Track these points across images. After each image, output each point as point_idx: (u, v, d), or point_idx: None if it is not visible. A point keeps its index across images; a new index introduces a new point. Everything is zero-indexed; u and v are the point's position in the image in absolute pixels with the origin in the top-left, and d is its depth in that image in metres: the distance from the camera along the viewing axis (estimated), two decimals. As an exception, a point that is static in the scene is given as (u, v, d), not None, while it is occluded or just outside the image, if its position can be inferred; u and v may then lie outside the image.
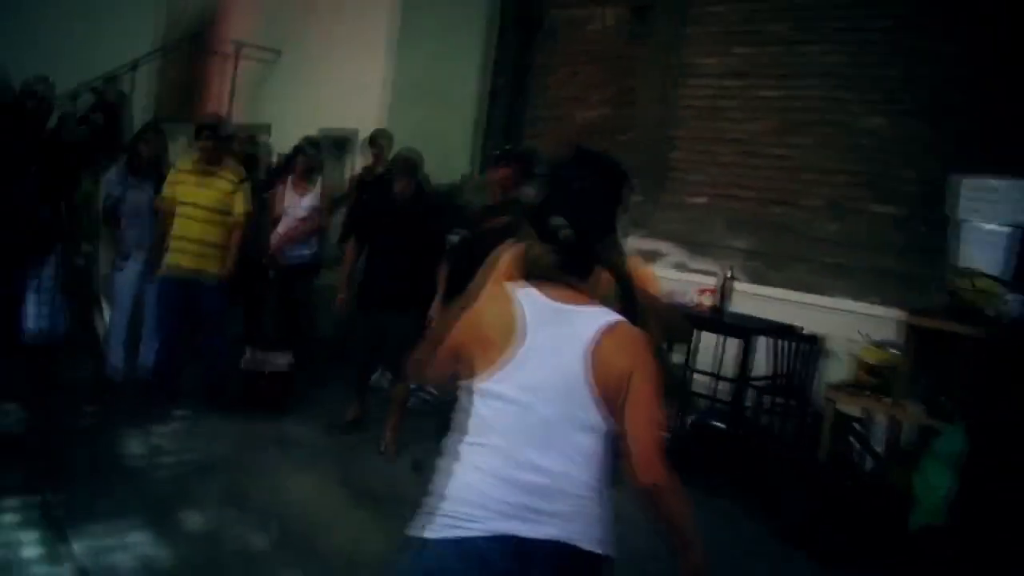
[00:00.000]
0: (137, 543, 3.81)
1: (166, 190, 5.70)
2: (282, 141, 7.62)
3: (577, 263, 1.97)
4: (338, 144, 8.50)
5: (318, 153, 6.63)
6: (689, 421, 5.73)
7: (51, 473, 4.41)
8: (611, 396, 1.83)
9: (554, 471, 1.81)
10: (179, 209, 5.66)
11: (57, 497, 4.13)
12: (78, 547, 3.69)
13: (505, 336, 1.89)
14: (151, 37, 9.86)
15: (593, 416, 1.84)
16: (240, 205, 5.73)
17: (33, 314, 5.05)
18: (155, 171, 5.89)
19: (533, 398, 1.85)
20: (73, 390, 5.67)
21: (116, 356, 5.94)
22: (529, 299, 1.94)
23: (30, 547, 3.65)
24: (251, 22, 11.07)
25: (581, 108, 7.99)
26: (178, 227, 5.66)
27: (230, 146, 6.14)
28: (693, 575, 1.84)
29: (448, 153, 7.31)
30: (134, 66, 9.00)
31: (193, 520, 4.12)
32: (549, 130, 8.25)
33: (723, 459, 5.13)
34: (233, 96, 10.29)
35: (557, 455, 1.82)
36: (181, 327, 5.86)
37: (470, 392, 1.92)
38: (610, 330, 1.87)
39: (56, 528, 3.83)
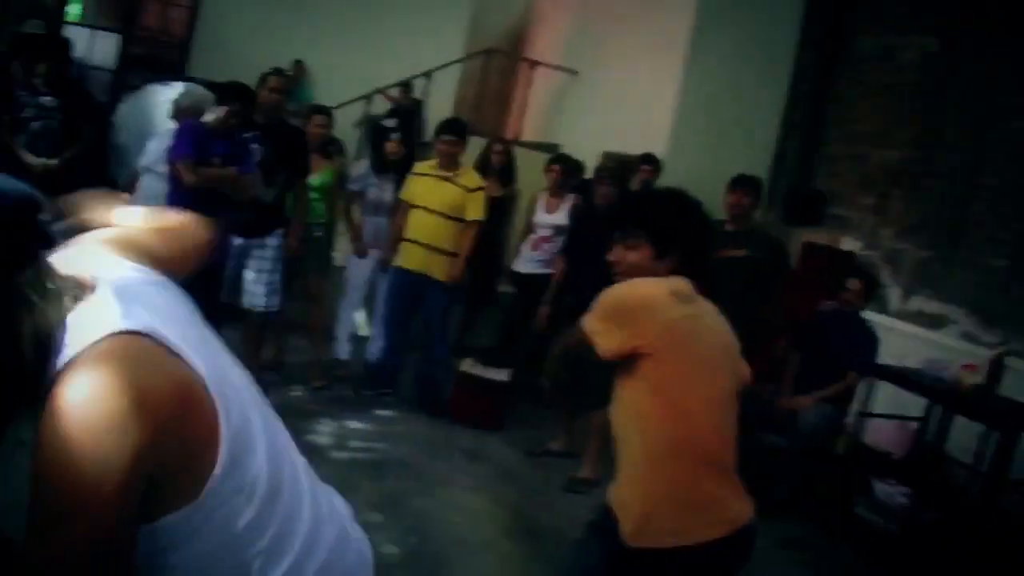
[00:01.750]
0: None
1: (404, 190, 5.61)
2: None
3: None
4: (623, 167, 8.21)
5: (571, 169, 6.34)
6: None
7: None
8: None
9: None
10: (413, 210, 5.53)
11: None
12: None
13: None
14: (450, 48, 10.07)
15: None
16: (473, 211, 5.49)
17: (251, 291, 5.11)
18: (400, 170, 5.83)
19: None
20: (295, 367, 5.71)
21: (342, 341, 5.93)
22: None
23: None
24: (551, 41, 11.12)
25: (881, 147, 7.01)
26: (410, 227, 5.53)
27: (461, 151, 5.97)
28: None
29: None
30: (428, 74, 9.18)
31: (337, 513, 3.84)
32: (845, 169, 7.34)
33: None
34: (526, 112, 10.32)
35: None
36: (406, 323, 5.72)
37: None
38: None
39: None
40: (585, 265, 4.94)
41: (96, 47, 9.70)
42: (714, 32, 7.80)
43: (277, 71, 5.12)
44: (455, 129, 5.61)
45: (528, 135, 10.32)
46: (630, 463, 2.23)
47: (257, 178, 4.93)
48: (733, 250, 4.63)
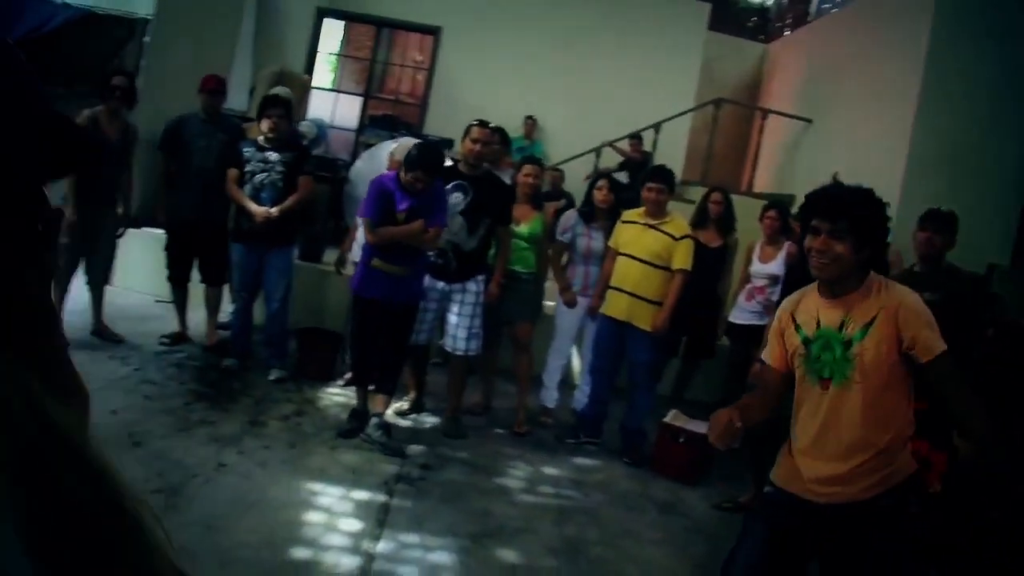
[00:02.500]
0: (437, 559, 3.64)
1: (612, 237, 5.60)
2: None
3: None
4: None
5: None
6: None
7: (419, 476, 4.52)
8: None
9: None
10: (619, 257, 5.51)
11: (398, 497, 4.19)
12: (383, 545, 3.65)
13: None
14: (681, 99, 10.02)
15: None
16: (680, 260, 5.37)
17: (452, 335, 5.28)
18: (610, 219, 5.82)
19: None
20: (500, 412, 5.82)
21: (550, 388, 5.97)
22: None
23: (342, 535, 3.70)
24: (784, 90, 10.80)
25: None
26: (616, 275, 5.51)
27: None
28: None
29: (972, 233, 6.18)
30: (657, 126, 9.17)
31: (510, 553, 3.85)
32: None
33: None
34: (757, 163, 10.04)
35: None
36: (612, 371, 5.67)
37: None
38: None
39: (379, 522, 3.85)
40: None
41: (340, 109, 10.58)
42: (947, 73, 7.32)
43: (481, 123, 5.30)
44: (661, 177, 5.55)
45: (761, 185, 10.02)
46: (895, 440, 2.60)
47: (459, 225, 5.12)
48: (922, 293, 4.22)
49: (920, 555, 4.00)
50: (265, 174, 5.44)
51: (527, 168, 5.84)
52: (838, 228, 2.52)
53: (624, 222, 5.60)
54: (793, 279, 5.20)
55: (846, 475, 2.59)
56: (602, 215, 5.79)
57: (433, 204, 4.80)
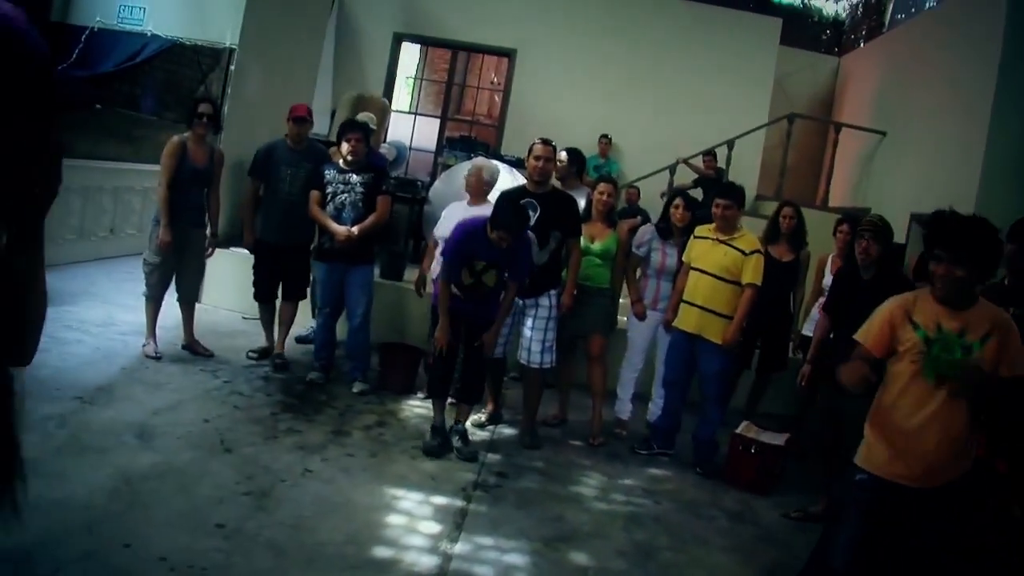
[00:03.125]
0: (512, 560, 3.80)
1: (685, 252, 5.72)
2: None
3: None
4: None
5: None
6: None
7: (495, 483, 4.69)
8: None
9: None
10: (691, 272, 5.62)
11: (475, 503, 4.37)
12: (460, 547, 3.82)
13: None
14: (755, 115, 10.06)
15: None
16: (750, 275, 5.45)
17: (527, 348, 5.45)
18: (685, 236, 5.92)
19: None
20: (576, 424, 5.96)
21: (624, 400, 6.09)
22: None
23: (421, 536, 3.89)
24: (858, 103, 10.73)
25: None
26: (688, 288, 5.62)
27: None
28: None
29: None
30: (730, 143, 9.22)
31: (582, 556, 3.98)
32: None
33: None
34: (832, 177, 10.00)
35: None
36: (684, 384, 5.77)
37: None
38: None
39: (456, 525, 4.02)
40: (847, 327, 4.71)
41: (419, 131, 10.89)
42: (1021, 82, 7.18)
43: (544, 140, 5.47)
44: (730, 194, 5.65)
45: (836, 199, 9.98)
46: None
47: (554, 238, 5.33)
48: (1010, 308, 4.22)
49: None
50: (346, 195, 5.73)
51: (601, 186, 5.98)
52: (959, 256, 2.99)
53: (696, 237, 5.70)
54: (839, 291, 5.19)
55: (940, 464, 3.09)
56: (678, 232, 5.90)
57: (517, 255, 4.99)
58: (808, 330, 6.26)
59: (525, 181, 5.78)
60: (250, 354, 6.15)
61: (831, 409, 4.77)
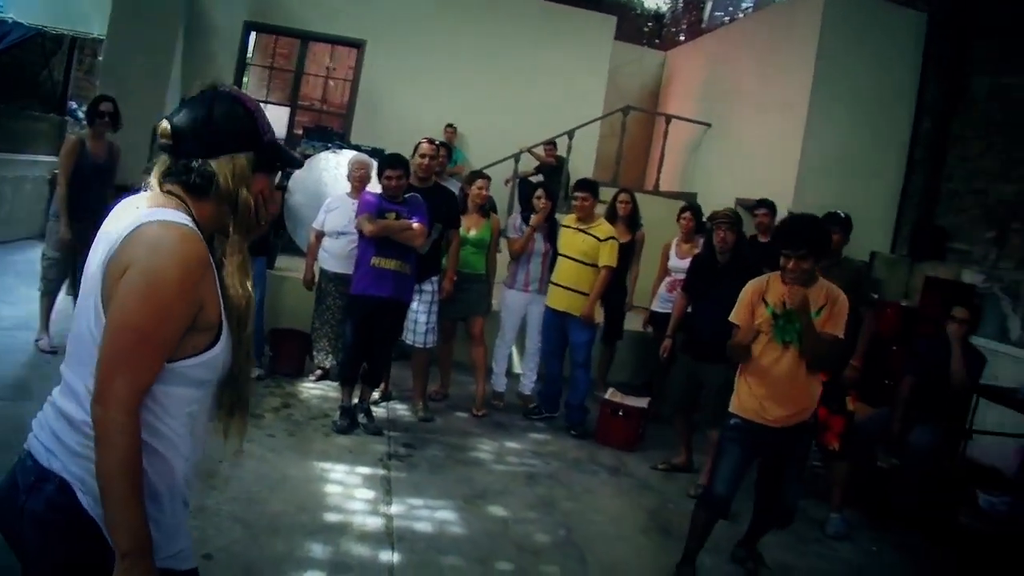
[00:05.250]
0: (443, 516, 4.37)
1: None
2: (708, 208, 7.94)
3: None
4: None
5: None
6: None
7: (406, 453, 5.23)
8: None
9: (77, 395, 1.64)
10: (559, 257, 6.36)
11: (395, 471, 4.90)
12: (396, 508, 4.35)
13: None
14: (591, 107, 10.89)
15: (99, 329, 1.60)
16: (604, 258, 6.24)
17: (411, 330, 5.95)
18: (547, 222, 6.58)
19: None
20: (459, 398, 6.55)
21: (499, 375, 6.72)
22: None
23: (360, 501, 4.39)
24: (686, 96, 11.78)
25: (1000, 182, 7.31)
26: (556, 271, 6.38)
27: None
28: (122, 561, 1.51)
29: (858, 227, 7.19)
30: (571, 133, 9.96)
31: (498, 509, 4.60)
32: (967, 205, 7.66)
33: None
34: (662, 164, 10.98)
35: (80, 379, 1.63)
36: (559, 355, 6.52)
37: None
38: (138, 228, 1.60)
39: (386, 491, 4.54)
40: (704, 305, 5.55)
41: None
42: (835, 80, 8.30)
43: (430, 140, 5.99)
44: (586, 187, 6.43)
45: (666, 184, 10.98)
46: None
47: (435, 229, 5.82)
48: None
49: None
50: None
51: (479, 182, 6.54)
52: (802, 253, 3.80)
53: (562, 227, 6.44)
54: (694, 271, 6.00)
55: (794, 409, 3.96)
56: (539, 218, 6.58)
57: (416, 210, 5.47)
58: (658, 307, 7.07)
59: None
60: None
61: (690, 375, 5.57)
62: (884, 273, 7.99)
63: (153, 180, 1.73)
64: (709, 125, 10.55)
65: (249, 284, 1.74)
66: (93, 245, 1.68)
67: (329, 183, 7.49)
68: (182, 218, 1.62)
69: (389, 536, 4.03)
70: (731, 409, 4.14)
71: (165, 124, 1.69)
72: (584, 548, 4.28)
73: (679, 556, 4.12)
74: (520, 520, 4.54)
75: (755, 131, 9.31)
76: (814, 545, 4.88)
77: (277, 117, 11.58)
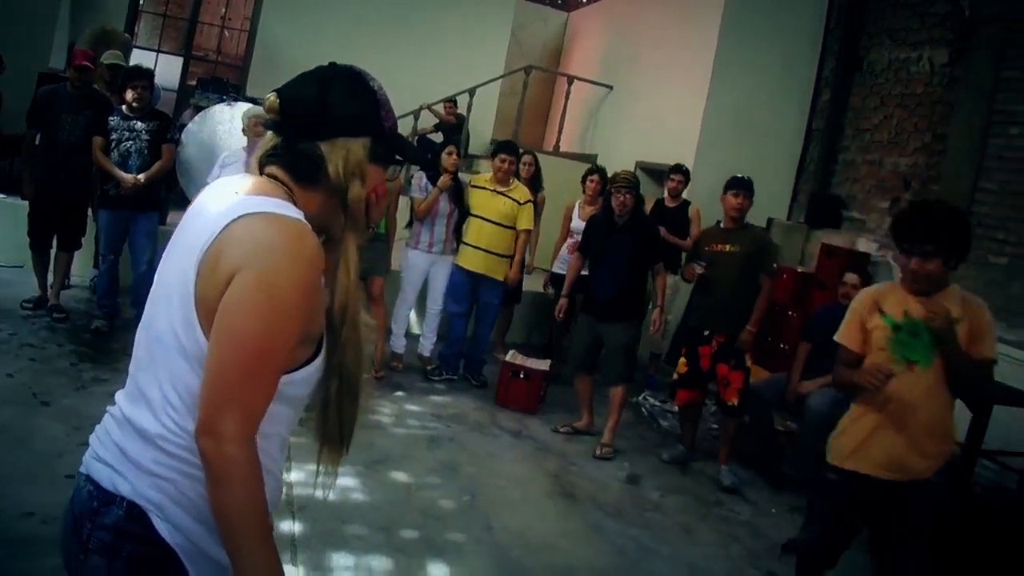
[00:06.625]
0: (345, 483, 4.29)
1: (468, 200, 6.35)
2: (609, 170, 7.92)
3: None
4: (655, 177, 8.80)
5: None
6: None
7: (305, 417, 5.08)
8: (212, 309, 1.35)
9: (151, 404, 1.41)
10: (472, 218, 6.28)
11: (300, 435, 4.76)
12: (295, 475, 4.24)
13: None
14: (492, 66, 10.76)
15: (193, 336, 1.38)
16: (524, 221, 6.20)
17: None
18: (454, 182, 6.47)
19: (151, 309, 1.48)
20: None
21: (399, 336, 6.61)
22: None
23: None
24: (588, 57, 11.77)
25: (895, 154, 7.55)
26: (471, 233, 6.31)
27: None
28: None
29: (759, 193, 7.36)
30: (471, 91, 9.84)
31: (401, 475, 4.54)
32: (862, 175, 7.89)
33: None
34: (563, 125, 10.96)
35: (156, 387, 1.41)
36: (467, 313, 6.51)
37: None
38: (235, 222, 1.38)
39: (286, 456, 4.41)
40: (601, 265, 5.59)
41: (160, 69, 10.54)
42: (738, 48, 8.37)
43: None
44: (511, 150, 6.39)
45: (566, 145, 10.98)
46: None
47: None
48: (724, 245, 5.30)
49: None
50: (131, 142, 5.72)
51: None
52: (927, 250, 2.95)
53: (474, 187, 6.36)
54: (591, 232, 6.02)
55: (936, 451, 3.05)
56: (448, 178, 6.47)
57: None
58: (559, 268, 7.09)
59: None
60: (24, 304, 5.98)
61: (591, 335, 5.61)
62: (780, 239, 8.16)
63: (253, 161, 1.53)
64: (611, 87, 10.55)
65: (356, 294, 1.53)
66: (176, 232, 1.47)
67: (223, 137, 7.17)
68: (293, 211, 1.40)
69: (290, 505, 3.92)
70: (834, 461, 3.23)
71: (273, 97, 1.48)
72: (489, 513, 4.26)
73: (584, 519, 4.15)
74: (423, 486, 4.49)
75: (657, 94, 9.34)
76: (715, 507, 4.99)
77: (169, 68, 11.09)
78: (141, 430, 1.40)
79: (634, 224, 5.56)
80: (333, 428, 1.62)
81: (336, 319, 1.49)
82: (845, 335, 3.19)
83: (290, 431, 1.58)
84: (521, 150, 7.50)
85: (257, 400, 1.34)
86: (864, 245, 7.56)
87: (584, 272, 5.87)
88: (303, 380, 1.47)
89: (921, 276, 2.96)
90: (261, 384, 1.34)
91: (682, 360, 5.49)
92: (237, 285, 1.32)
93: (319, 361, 1.48)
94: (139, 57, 9.88)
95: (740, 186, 5.38)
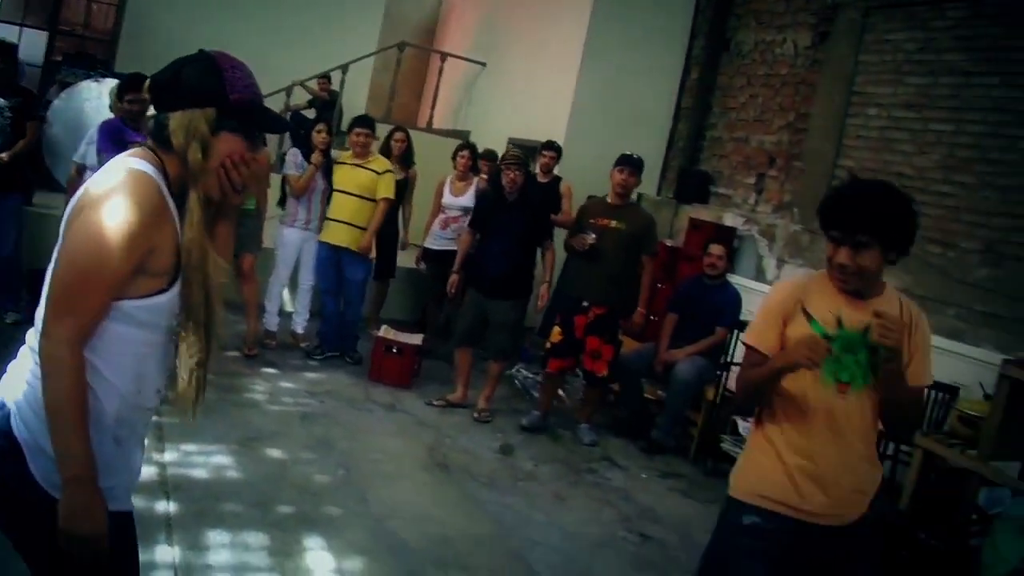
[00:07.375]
0: (219, 461, 4.27)
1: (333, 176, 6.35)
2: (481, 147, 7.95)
3: None
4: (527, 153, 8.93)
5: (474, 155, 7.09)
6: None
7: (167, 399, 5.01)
8: None
9: (36, 325, 1.72)
10: (335, 192, 6.28)
11: (165, 416, 4.70)
12: (169, 455, 4.20)
13: None
14: (365, 42, 10.67)
15: None
16: (383, 190, 6.25)
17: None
18: (324, 156, 6.44)
19: None
20: (230, 337, 6.32)
21: (272, 313, 6.56)
22: None
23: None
24: (461, 34, 11.81)
25: (760, 132, 7.91)
26: (333, 207, 6.31)
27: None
28: (67, 486, 1.58)
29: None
30: (344, 67, 9.75)
31: (276, 451, 4.56)
32: (729, 152, 8.23)
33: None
34: (436, 102, 10.99)
35: (40, 311, 1.72)
36: (338, 290, 6.47)
37: None
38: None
39: (158, 438, 4.36)
40: (492, 242, 5.71)
41: (24, 44, 10.00)
42: (609, 26, 8.55)
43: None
44: (366, 123, 6.42)
45: (439, 122, 11.01)
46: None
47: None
48: (610, 220, 5.49)
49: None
50: (-8, 120, 5.48)
51: None
52: (860, 240, 2.29)
53: (337, 163, 6.35)
54: (482, 208, 6.15)
55: (852, 488, 2.42)
56: (319, 154, 6.44)
57: None
58: (431, 244, 7.18)
59: None
60: None
61: (478, 311, 5.73)
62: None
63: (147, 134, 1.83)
64: (484, 64, 10.63)
65: (207, 245, 1.74)
66: None
67: (91, 114, 6.98)
68: (144, 165, 1.68)
69: (163, 485, 3.89)
70: (737, 495, 2.52)
71: (148, 80, 1.79)
72: (364, 487, 4.33)
73: (459, 490, 4.26)
74: (298, 461, 4.51)
75: (530, 71, 9.47)
76: (587, 475, 5.20)
77: (33, 42, 10.51)
78: (31, 347, 1.68)
79: (524, 200, 5.71)
80: (187, 352, 1.85)
81: (183, 261, 1.72)
82: (758, 337, 2.47)
83: (158, 360, 1.82)
84: (393, 126, 7.53)
85: (83, 312, 1.60)
86: (730, 219, 7.89)
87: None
88: (153, 307, 1.71)
89: (851, 271, 2.31)
90: (85, 299, 1.60)
91: (556, 329, 5.67)
92: (80, 215, 1.62)
93: (171, 294, 1.73)
94: (1, 31, 9.35)
95: (628, 163, 5.56)
